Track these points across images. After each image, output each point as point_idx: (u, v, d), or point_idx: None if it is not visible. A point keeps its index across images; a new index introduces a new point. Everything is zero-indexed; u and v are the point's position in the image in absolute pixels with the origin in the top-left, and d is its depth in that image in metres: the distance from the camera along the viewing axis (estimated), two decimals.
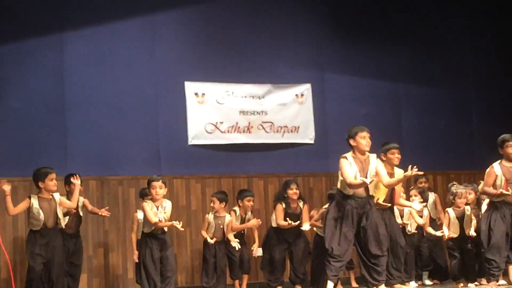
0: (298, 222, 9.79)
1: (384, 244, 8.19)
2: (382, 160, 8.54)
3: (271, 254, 10.04)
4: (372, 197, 8.26)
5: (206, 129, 11.31)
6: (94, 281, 10.46)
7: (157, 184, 8.61)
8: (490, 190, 8.81)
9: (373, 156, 8.29)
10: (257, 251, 10.25)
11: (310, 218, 10.00)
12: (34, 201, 8.33)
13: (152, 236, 8.56)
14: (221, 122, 11.40)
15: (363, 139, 8.19)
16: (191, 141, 11.23)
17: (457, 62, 12.81)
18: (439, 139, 12.48)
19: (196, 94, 11.32)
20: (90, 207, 9.60)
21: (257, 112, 11.59)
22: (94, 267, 10.47)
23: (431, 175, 11.92)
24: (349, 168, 8.07)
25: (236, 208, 10.07)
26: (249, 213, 10.16)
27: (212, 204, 9.79)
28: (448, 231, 9.23)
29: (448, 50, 12.79)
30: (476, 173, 11.83)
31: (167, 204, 8.65)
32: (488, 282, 8.88)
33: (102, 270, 10.53)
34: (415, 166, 7.91)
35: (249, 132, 11.54)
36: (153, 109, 11.14)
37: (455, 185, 9.55)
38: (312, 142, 11.84)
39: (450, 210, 9.38)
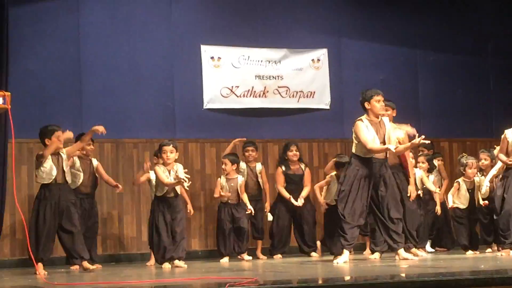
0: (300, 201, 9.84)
1: (401, 208, 8.25)
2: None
3: (277, 220, 10.13)
4: (386, 159, 8.25)
5: (221, 93, 11.29)
6: (108, 243, 10.54)
7: (168, 148, 8.56)
8: (502, 157, 8.79)
9: (386, 119, 8.29)
10: (268, 216, 10.32)
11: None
12: (49, 158, 8.25)
13: (164, 200, 8.55)
14: (237, 87, 11.38)
15: (378, 103, 8.18)
16: (207, 105, 11.22)
17: (475, 29, 12.67)
18: (456, 106, 12.40)
19: (212, 58, 11.29)
20: (105, 175, 9.59)
21: (273, 77, 11.55)
22: (108, 229, 10.53)
23: (447, 142, 11.87)
24: (367, 132, 8.07)
25: (241, 161, 10.19)
26: (258, 165, 10.21)
27: (223, 166, 9.78)
28: (453, 201, 9.28)
29: (466, 16, 12.65)
30: (493, 140, 11.77)
31: (179, 168, 8.63)
32: (501, 249, 8.87)
33: (117, 233, 10.59)
34: (422, 136, 7.88)
35: (265, 96, 11.51)
36: (169, 73, 11.13)
37: (465, 156, 9.55)
38: (327, 107, 11.80)
39: (461, 181, 9.36)
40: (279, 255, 10.11)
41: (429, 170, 9.94)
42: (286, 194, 10.00)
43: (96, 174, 9.55)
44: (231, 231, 9.68)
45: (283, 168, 10.10)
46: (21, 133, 9.70)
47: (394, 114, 8.87)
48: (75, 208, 8.43)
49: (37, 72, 10.48)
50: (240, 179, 9.77)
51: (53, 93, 10.53)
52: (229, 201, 9.70)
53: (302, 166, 10.14)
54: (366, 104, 8.22)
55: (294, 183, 10.06)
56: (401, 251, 8.20)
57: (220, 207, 9.80)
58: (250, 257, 9.78)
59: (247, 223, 9.77)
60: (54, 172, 8.22)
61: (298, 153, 10.11)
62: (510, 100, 12.27)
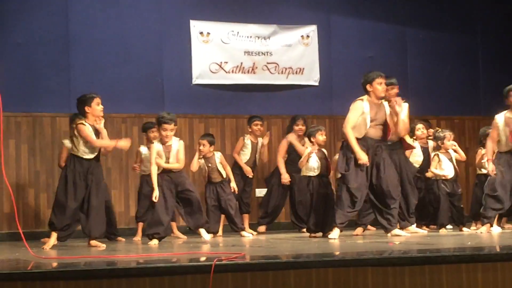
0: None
1: (397, 190, 8.29)
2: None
3: (270, 193, 10.15)
4: (384, 141, 8.27)
5: (210, 68, 11.27)
6: None
7: (169, 127, 8.43)
8: (488, 146, 8.81)
9: (386, 103, 8.33)
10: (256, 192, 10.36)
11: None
12: (88, 127, 8.03)
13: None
14: (226, 62, 11.36)
15: (380, 85, 8.22)
16: (195, 80, 11.20)
17: (465, 8, 12.66)
18: (444, 84, 12.42)
19: (201, 33, 11.25)
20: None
21: (262, 53, 11.53)
22: None
23: (435, 119, 11.89)
24: (356, 115, 8.10)
25: (247, 135, 10.20)
26: (262, 140, 10.19)
27: (201, 147, 9.50)
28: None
29: None
30: (481, 119, 11.85)
31: (174, 144, 8.48)
32: (482, 224, 8.88)
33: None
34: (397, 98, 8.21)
35: (254, 72, 11.49)
36: (157, 48, 11.09)
37: (439, 130, 9.63)
38: (316, 84, 11.79)
39: (441, 154, 9.40)
40: (264, 227, 10.12)
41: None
42: (282, 168, 9.98)
43: None
44: (216, 209, 9.52)
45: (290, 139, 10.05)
46: (9, 106, 9.62)
47: (397, 91, 8.90)
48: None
49: (25, 45, 10.42)
50: (218, 156, 9.56)
51: (41, 67, 10.49)
52: (211, 180, 9.60)
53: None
54: (368, 87, 8.25)
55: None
56: (395, 230, 8.25)
57: (206, 186, 9.67)
58: (251, 235, 9.55)
59: (232, 200, 9.53)
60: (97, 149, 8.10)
61: (304, 127, 10.07)
62: (499, 79, 12.24)
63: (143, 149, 9.57)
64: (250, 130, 10.30)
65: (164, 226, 8.33)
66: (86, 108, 8.08)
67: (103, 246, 7.91)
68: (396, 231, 8.27)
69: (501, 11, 12.75)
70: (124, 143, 8.28)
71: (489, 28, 12.71)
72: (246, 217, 10.19)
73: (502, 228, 9.54)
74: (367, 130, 8.20)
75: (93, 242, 7.98)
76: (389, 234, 8.24)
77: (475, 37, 12.73)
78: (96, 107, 8.10)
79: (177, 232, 9.63)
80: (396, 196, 8.26)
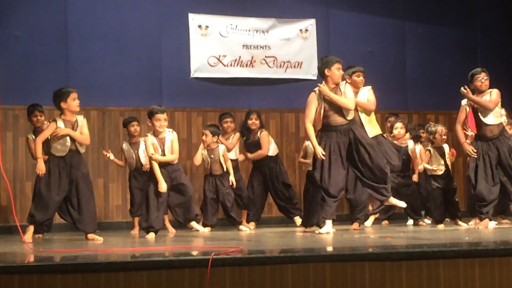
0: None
1: (382, 167, 8.12)
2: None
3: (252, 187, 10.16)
4: (354, 121, 8.19)
5: (208, 62, 11.25)
6: None
7: (162, 116, 8.33)
8: (458, 131, 8.84)
9: (342, 84, 8.24)
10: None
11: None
12: (60, 124, 7.85)
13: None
14: (224, 56, 11.34)
15: (338, 71, 8.18)
16: (194, 73, 11.19)
17: (464, 2, 12.64)
18: (443, 78, 12.39)
19: (199, 26, 11.24)
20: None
21: (261, 47, 11.51)
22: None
23: (434, 114, 11.89)
24: (312, 108, 8.07)
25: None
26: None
27: (204, 137, 9.52)
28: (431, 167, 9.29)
29: None
30: None
31: (168, 136, 8.45)
32: (479, 220, 8.87)
33: (102, 201, 10.57)
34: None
35: (252, 66, 11.48)
36: (156, 41, 11.07)
37: (432, 124, 9.56)
38: (315, 78, 11.74)
39: (431, 149, 9.34)
40: (253, 223, 10.13)
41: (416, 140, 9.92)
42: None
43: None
44: (214, 202, 9.55)
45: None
46: (7, 99, 9.67)
47: (363, 78, 8.88)
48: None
49: (23, 38, 10.41)
50: (221, 149, 9.58)
51: (40, 60, 10.47)
52: (212, 172, 9.61)
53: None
54: (326, 71, 8.17)
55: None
56: (391, 199, 8.22)
57: (205, 178, 9.70)
58: (247, 229, 9.56)
59: (230, 194, 9.55)
60: (69, 144, 7.89)
61: (257, 121, 10.09)
62: (497, 74, 12.19)
63: (125, 145, 9.56)
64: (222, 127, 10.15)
65: (158, 219, 8.33)
66: (62, 104, 7.84)
67: (100, 239, 7.88)
68: (393, 199, 8.22)
69: (500, 6, 12.74)
70: (40, 168, 7.84)
71: (488, 23, 12.70)
72: (244, 212, 10.19)
73: (499, 223, 9.51)
74: (329, 119, 8.11)
75: (90, 236, 7.95)
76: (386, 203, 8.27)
77: (474, 32, 12.72)
78: (72, 103, 7.84)
79: (168, 226, 9.55)
80: (387, 170, 8.17)
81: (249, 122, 10.04)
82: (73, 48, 10.65)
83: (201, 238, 8.04)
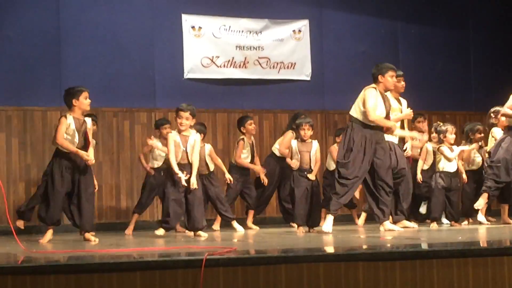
0: None
1: (391, 179, 8.31)
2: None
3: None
4: (383, 128, 8.32)
5: (202, 63, 11.25)
6: None
7: (184, 114, 8.29)
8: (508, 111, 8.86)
9: (390, 94, 8.49)
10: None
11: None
12: (70, 121, 7.87)
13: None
14: (217, 57, 11.34)
15: (391, 78, 8.35)
16: (187, 74, 11.19)
17: (456, 3, 12.67)
18: (436, 79, 12.43)
19: (193, 27, 11.24)
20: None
21: (254, 47, 11.52)
22: None
23: (426, 114, 11.88)
24: (375, 101, 8.16)
25: (243, 137, 10.06)
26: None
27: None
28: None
29: None
30: (472, 114, 11.86)
31: (192, 138, 8.32)
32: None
33: (96, 201, 10.53)
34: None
35: (245, 67, 11.48)
36: (149, 42, 11.06)
37: (440, 124, 9.57)
38: (308, 79, 11.79)
39: (444, 148, 9.31)
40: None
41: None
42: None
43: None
44: (204, 202, 9.49)
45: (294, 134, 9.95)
46: (0, 100, 9.67)
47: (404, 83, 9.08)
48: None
49: (16, 39, 10.39)
50: (207, 148, 9.51)
51: (33, 61, 10.45)
52: (199, 171, 9.50)
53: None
54: (379, 77, 8.30)
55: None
56: (387, 223, 8.25)
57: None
58: (242, 228, 9.55)
59: (220, 192, 9.57)
60: (77, 141, 7.91)
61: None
62: (490, 74, 12.32)
63: (158, 144, 9.35)
64: (244, 130, 10.08)
65: (176, 218, 8.30)
66: (74, 101, 7.94)
67: (95, 240, 7.87)
68: (388, 224, 8.26)
69: (492, 6, 12.76)
70: (85, 156, 7.88)
71: (481, 24, 12.73)
72: (251, 212, 10.17)
73: (487, 220, 9.48)
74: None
75: (87, 235, 7.95)
76: (381, 228, 8.25)
77: (467, 32, 12.75)
78: (84, 101, 7.96)
79: (179, 228, 9.43)
80: (392, 187, 8.27)
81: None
82: (66, 49, 10.63)
83: (196, 238, 8.02)
